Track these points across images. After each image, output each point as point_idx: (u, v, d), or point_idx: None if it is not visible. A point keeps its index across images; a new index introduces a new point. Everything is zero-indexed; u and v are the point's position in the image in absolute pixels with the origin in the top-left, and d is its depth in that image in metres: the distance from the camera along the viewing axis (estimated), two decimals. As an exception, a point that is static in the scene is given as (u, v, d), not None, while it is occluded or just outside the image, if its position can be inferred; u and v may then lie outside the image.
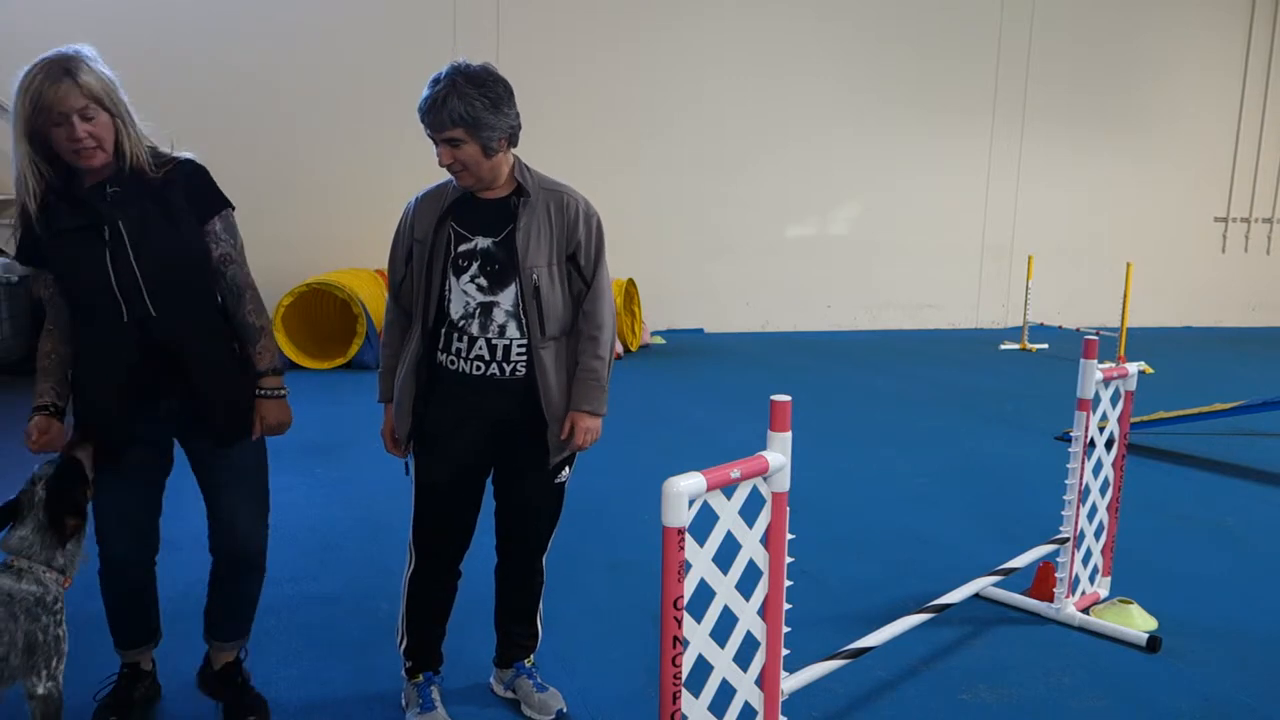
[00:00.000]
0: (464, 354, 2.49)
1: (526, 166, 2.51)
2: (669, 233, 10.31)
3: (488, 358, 2.48)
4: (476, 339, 2.48)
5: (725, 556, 2.05)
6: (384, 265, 10.16)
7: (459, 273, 2.46)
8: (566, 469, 2.66)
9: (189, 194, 2.35)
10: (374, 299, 8.30)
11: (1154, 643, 3.23)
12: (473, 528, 2.67)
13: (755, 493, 2.17)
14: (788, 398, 2.18)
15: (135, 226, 2.26)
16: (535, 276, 2.44)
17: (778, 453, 2.16)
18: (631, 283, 8.94)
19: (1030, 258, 10.26)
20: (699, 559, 2.02)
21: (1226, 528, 4.55)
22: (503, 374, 2.50)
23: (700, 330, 10.80)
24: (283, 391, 2.52)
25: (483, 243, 2.46)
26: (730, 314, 10.86)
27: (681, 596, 1.94)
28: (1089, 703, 2.90)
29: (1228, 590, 3.80)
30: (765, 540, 2.22)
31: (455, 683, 2.89)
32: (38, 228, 2.26)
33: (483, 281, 2.45)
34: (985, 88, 11.36)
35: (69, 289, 2.33)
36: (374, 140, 9.35)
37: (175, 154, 2.39)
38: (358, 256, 9.36)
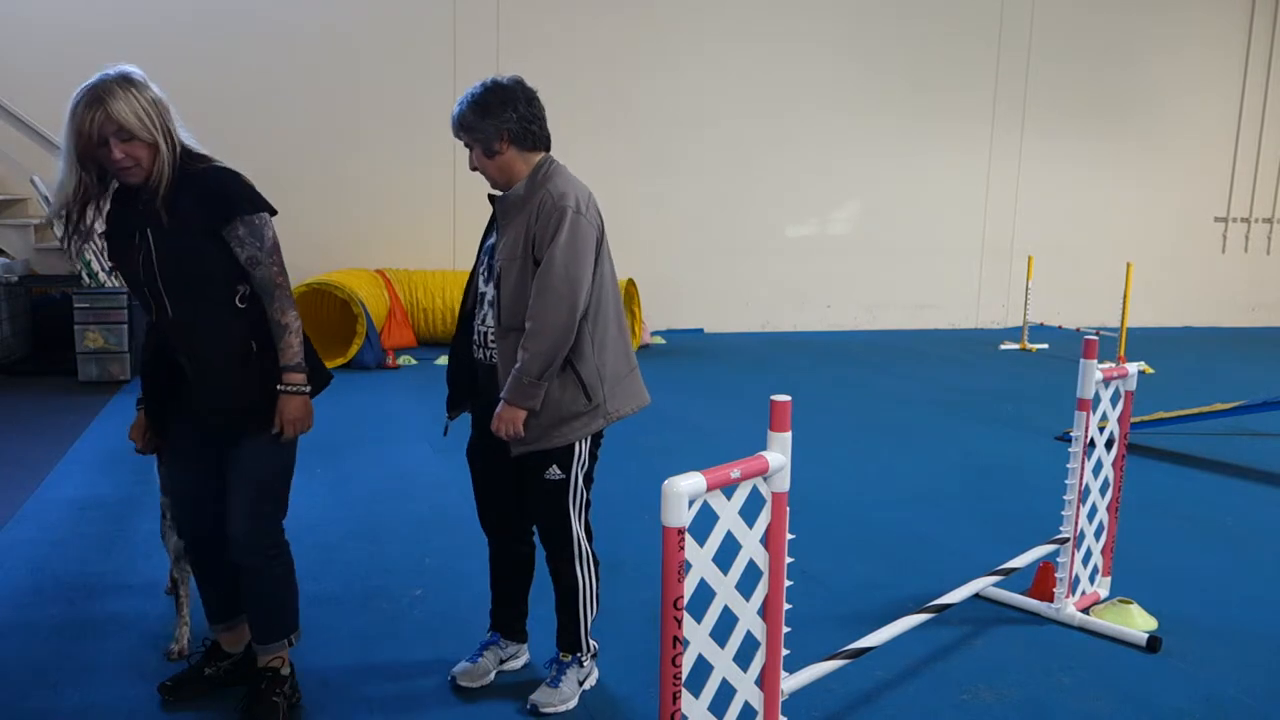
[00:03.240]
0: (475, 339, 2.78)
1: (552, 171, 2.66)
2: (669, 233, 10.30)
3: (478, 343, 2.76)
4: (475, 327, 2.77)
5: (725, 556, 2.05)
6: (384, 265, 10.15)
7: (478, 265, 2.78)
8: (556, 469, 2.66)
9: (200, 199, 2.43)
10: (374, 299, 8.29)
11: (1154, 643, 3.23)
12: (501, 500, 2.87)
13: (755, 493, 2.17)
14: (788, 398, 2.18)
15: (158, 232, 2.43)
16: (499, 268, 2.64)
17: (778, 453, 2.17)
18: (631, 283, 8.94)
19: (1030, 258, 10.26)
20: (699, 559, 2.02)
21: (1226, 528, 4.55)
22: (485, 359, 2.74)
23: (700, 330, 10.80)
24: (304, 389, 2.55)
25: (492, 238, 2.74)
26: (730, 314, 10.86)
27: (681, 596, 1.94)
28: (1089, 703, 2.90)
29: (1228, 590, 3.80)
30: (765, 540, 2.22)
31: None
32: (98, 228, 2.52)
33: (485, 274, 2.73)
34: (985, 88, 11.36)
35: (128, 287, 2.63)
36: (374, 140, 9.35)
37: (211, 162, 2.50)
38: (358, 256, 9.36)
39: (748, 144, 10.56)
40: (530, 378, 2.54)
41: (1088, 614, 3.43)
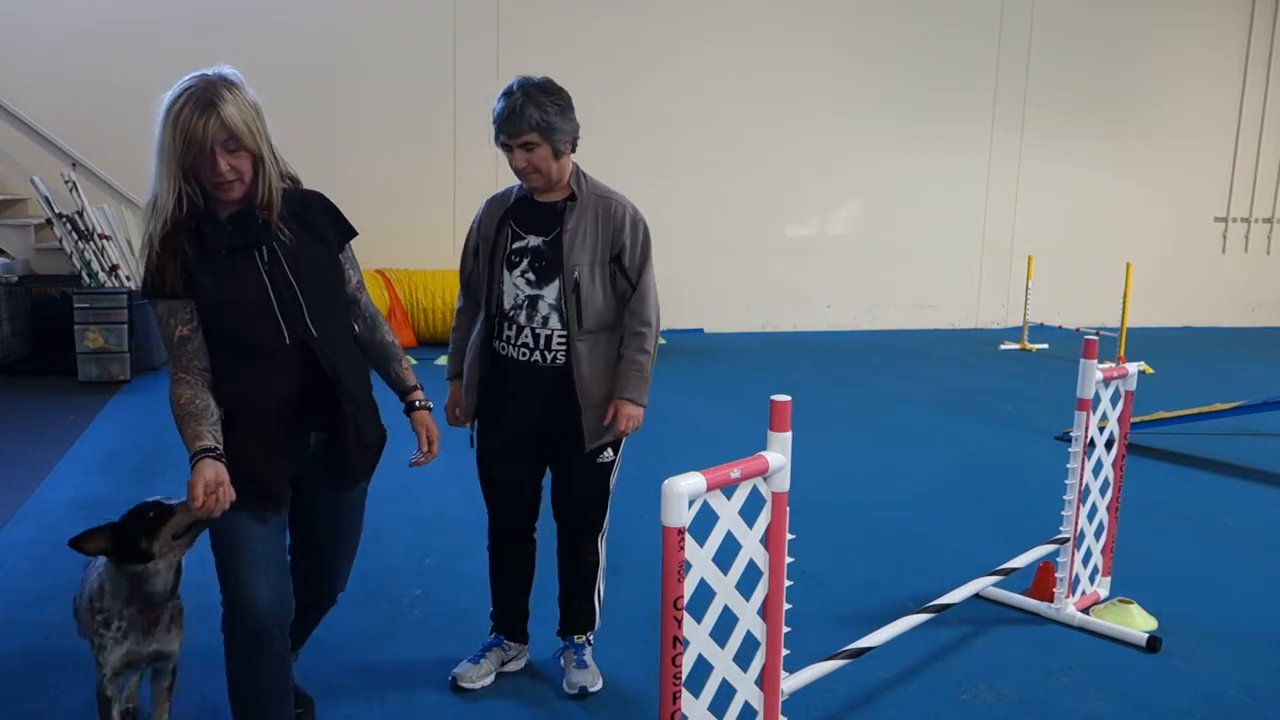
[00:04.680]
0: (513, 341, 2.76)
1: (584, 174, 2.77)
2: (668, 233, 10.27)
3: (531, 345, 2.75)
4: (524, 328, 2.74)
5: (725, 556, 2.05)
6: (384, 265, 10.15)
7: (511, 267, 2.74)
8: (610, 451, 2.83)
9: (328, 218, 2.33)
10: (374, 299, 8.28)
11: (1154, 643, 3.23)
12: (528, 497, 2.91)
13: (755, 493, 2.17)
14: (788, 398, 2.18)
15: (288, 246, 2.19)
16: (576, 274, 2.68)
17: (778, 453, 2.17)
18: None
19: (1030, 258, 10.26)
20: (699, 559, 2.02)
21: (1226, 528, 4.55)
22: (544, 361, 2.75)
23: (700, 330, 10.80)
24: (430, 403, 2.54)
25: (534, 241, 2.72)
26: (730, 314, 10.85)
27: (681, 596, 1.94)
28: (1089, 703, 2.90)
29: (1228, 590, 3.79)
30: (765, 540, 2.22)
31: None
32: (188, 249, 2.11)
33: (530, 276, 2.72)
34: (985, 88, 11.36)
35: (222, 316, 2.14)
36: (374, 140, 9.35)
37: (295, 178, 2.34)
38: (358, 256, 9.34)
39: (748, 144, 10.56)
40: (648, 376, 2.77)
41: (1088, 614, 3.43)
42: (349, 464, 2.32)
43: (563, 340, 2.73)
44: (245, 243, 2.15)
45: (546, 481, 2.94)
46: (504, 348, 2.79)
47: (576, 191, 2.73)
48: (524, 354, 2.76)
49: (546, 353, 2.74)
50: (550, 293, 2.71)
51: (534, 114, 2.58)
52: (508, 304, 2.75)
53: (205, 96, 2.03)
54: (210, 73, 2.08)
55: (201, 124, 2.01)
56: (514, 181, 2.78)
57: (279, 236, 2.19)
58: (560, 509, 2.92)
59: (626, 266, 2.74)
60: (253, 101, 2.11)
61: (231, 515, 2.06)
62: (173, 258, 2.10)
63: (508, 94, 2.62)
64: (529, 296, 2.73)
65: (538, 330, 2.73)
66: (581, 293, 2.69)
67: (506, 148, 2.65)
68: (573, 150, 2.72)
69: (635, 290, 2.77)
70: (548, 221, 2.72)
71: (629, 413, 2.75)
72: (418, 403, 2.51)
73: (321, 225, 2.31)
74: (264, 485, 2.17)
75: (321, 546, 2.46)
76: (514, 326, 2.75)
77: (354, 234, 2.41)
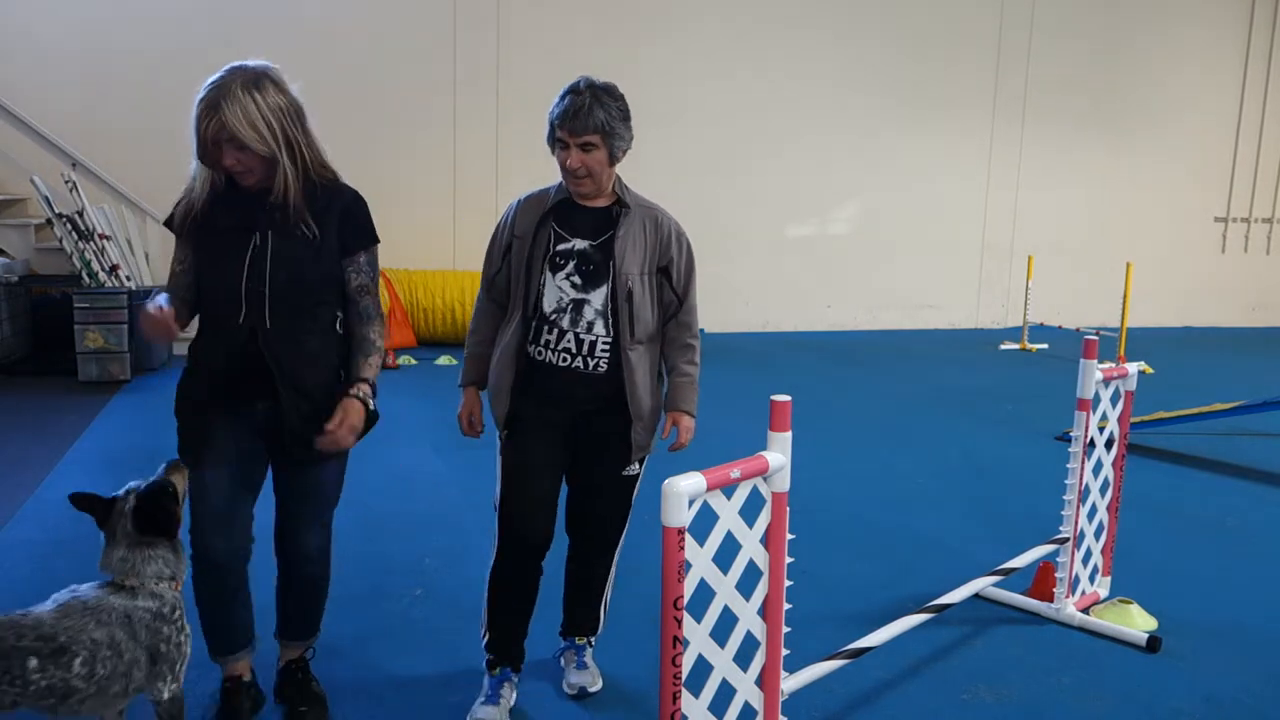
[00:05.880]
0: (552, 345, 2.66)
1: (625, 185, 2.72)
2: (669, 233, 10.30)
3: (574, 351, 2.65)
4: (566, 332, 2.65)
5: (725, 556, 2.05)
6: (384, 265, 10.13)
7: (555, 269, 2.64)
8: (636, 464, 2.79)
9: (342, 222, 2.41)
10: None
11: (1154, 643, 3.23)
12: (555, 515, 2.77)
13: (755, 493, 2.17)
14: (788, 398, 2.18)
15: (282, 240, 2.34)
16: (629, 282, 2.63)
17: (778, 453, 2.17)
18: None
19: (1030, 258, 10.25)
20: (699, 559, 2.02)
21: (1226, 528, 4.55)
22: (586, 368, 2.66)
23: (700, 330, 10.80)
24: (371, 402, 2.48)
25: (580, 244, 2.65)
26: (730, 314, 10.85)
27: (681, 596, 1.94)
28: (1089, 703, 2.90)
29: (1228, 590, 3.80)
30: (765, 540, 2.22)
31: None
32: (199, 215, 2.37)
33: (577, 280, 2.64)
34: (985, 88, 11.35)
35: (201, 277, 2.42)
36: (375, 139, 9.34)
37: (337, 176, 2.46)
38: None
39: (748, 143, 10.56)
40: (698, 388, 2.76)
41: (1088, 614, 3.43)
42: (287, 445, 2.45)
43: (606, 347, 2.66)
44: (245, 225, 2.33)
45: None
46: (541, 352, 2.68)
47: (623, 199, 2.68)
48: (565, 359, 2.66)
49: (590, 359, 2.66)
50: (597, 298, 2.64)
51: (600, 115, 2.52)
52: (549, 307, 2.65)
53: (214, 97, 2.20)
54: (241, 66, 2.24)
55: (204, 125, 2.21)
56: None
57: (282, 226, 2.31)
58: (579, 524, 2.85)
59: (674, 281, 2.73)
60: (275, 104, 2.24)
61: (196, 471, 2.43)
62: (188, 210, 2.40)
63: (575, 91, 2.56)
64: (574, 300, 2.64)
65: (582, 335, 2.64)
66: (634, 301, 2.65)
67: (562, 145, 2.57)
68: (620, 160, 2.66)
69: (684, 304, 2.77)
70: (595, 225, 2.66)
71: (688, 424, 2.74)
72: (353, 391, 2.45)
73: (333, 224, 2.40)
74: (197, 426, 2.44)
75: (285, 511, 2.60)
76: (555, 330, 2.65)
77: (372, 240, 2.48)
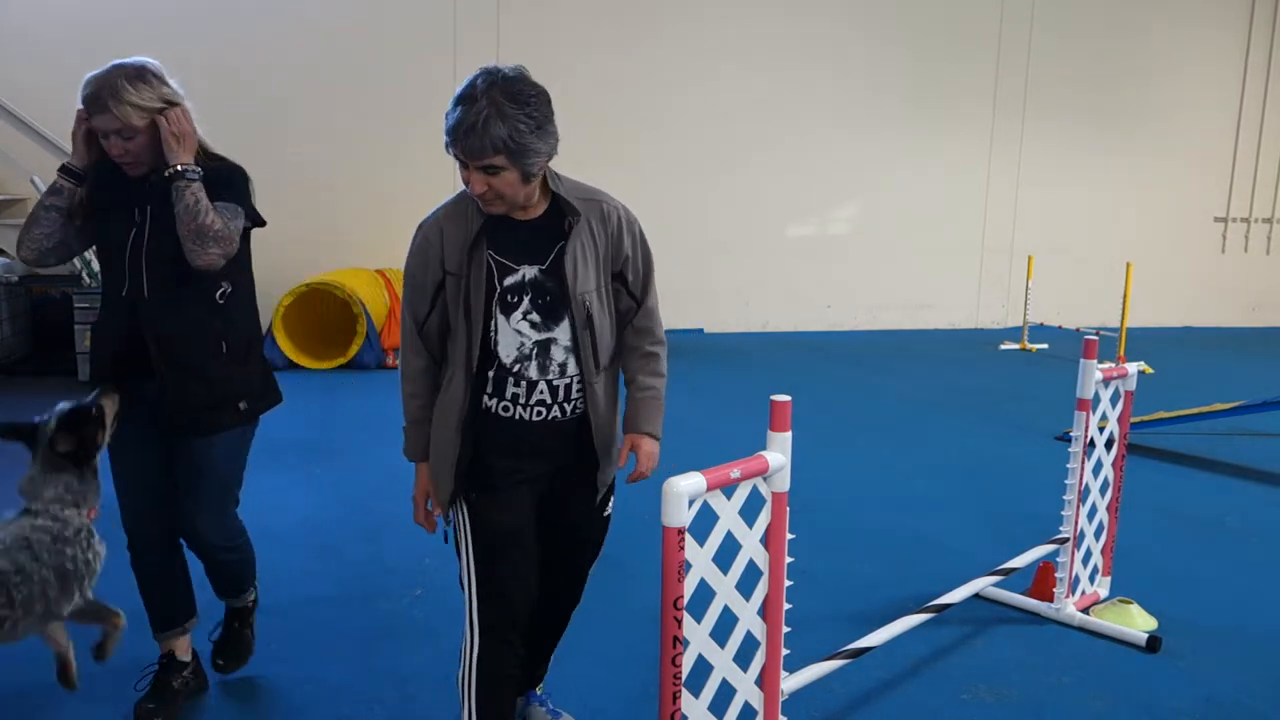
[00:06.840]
0: (522, 400, 2.18)
1: (556, 174, 2.20)
2: (668, 232, 10.26)
3: (549, 400, 2.20)
4: (536, 382, 2.18)
5: (725, 556, 2.06)
6: (384, 265, 10.04)
7: (508, 310, 2.15)
8: (610, 499, 2.45)
9: (211, 184, 2.47)
10: (374, 299, 8.29)
11: (1154, 643, 3.23)
12: (536, 587, 2.31)
13: (755, 493, 2.17)
14: (788, 398, 2.18)
15: (162, 207, 2.41)
16: (587, 304, 2.17)
17: (778, 453, 2.17)
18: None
19: (1030, 258, 10.25)
20: (699, 559, 2.02)
21: (1226, 528, 4.55)
22: (564, 415, 2.23)
23: (700, 330, 10.79)
24: (193, 171, 2.41)
25: (529, 272, 2.15)
26: (730, 314, 10.84)
27: (681, 596, 1.94)
28: (1089, 703, 2.90)
29: (1228, 590, 3.80)
30: (765, 540, 2.22)
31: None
32: (93, 194, 2.49)
33: (535, 317, 2.15)
34: (985, 87, 11.35)
35: (97, 249, 2.57)
36: (375, 139, 9.34)
37: (223, 158, 2.56)
38: (358, 256, 9.35)
39: (748, 143, 10.55)
40: (664, 403, 2.38)
41: (1088, 614, 3.43)
42: (164, 417, 2.50)
43: (581, 386, 2.23)
44: (128, 202, 2.46)
45: None
46: (507, 409, 2.19)
47: (562, 199, 2.16)
48: (540, 413, 2.20)
49: (566, 404, 2.22)
50: (563, 333, 2.17)
51: (499, 131, 1.96)
52: (508, 357, 2.16)
53: (101, 91, 2.33)
54: (120, 66, 2.37)
55: (94, 113, 2.36)
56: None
57: (158, 200, 2.40)
58: (554, 573, 2.41)
59: (631, 281, 2.27)
60: (161, 94, 2.39)
61: (118, 453, 2.57)
62: (88, 187, 2.51)
63: (467, 99, 1.99)
64: (538, 343, 2.16)
65: (554, 381, 2.18)
66: (595, 326, 2.19)
67: (461, 163, 2.04)
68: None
69: (642, 306, 2.32)
70: (537, 243, 2.16)
71: (650, 450, 2.33)
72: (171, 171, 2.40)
73: (215, 196, 2.46)
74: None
75: (180, 491, 2.62)
76: (523, 383, 2.17)
77: (226, 197, 2.48)
